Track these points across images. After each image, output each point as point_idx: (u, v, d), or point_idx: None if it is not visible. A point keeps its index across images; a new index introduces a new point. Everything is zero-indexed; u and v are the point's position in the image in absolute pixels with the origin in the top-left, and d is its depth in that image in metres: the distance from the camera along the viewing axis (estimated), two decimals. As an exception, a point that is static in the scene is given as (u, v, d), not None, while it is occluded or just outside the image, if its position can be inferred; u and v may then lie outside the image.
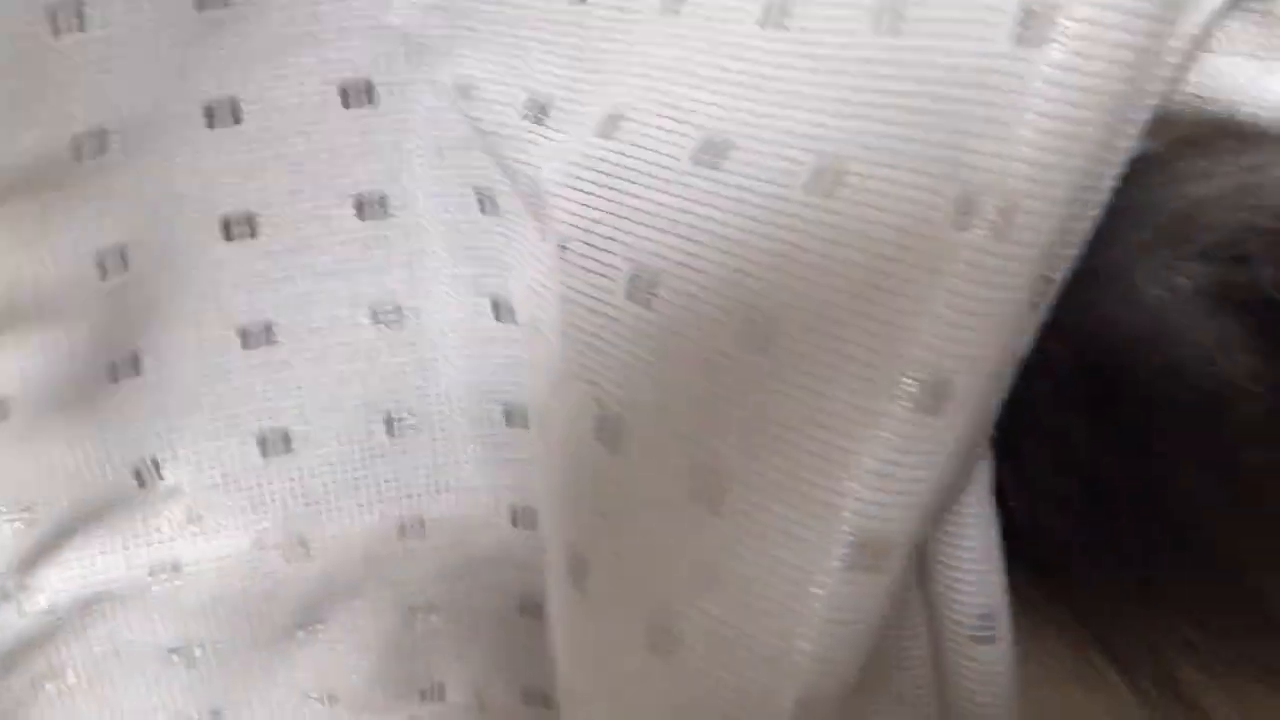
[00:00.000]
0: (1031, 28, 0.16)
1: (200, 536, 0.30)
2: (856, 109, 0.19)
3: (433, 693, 0.33)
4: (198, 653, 0.31)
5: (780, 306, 0.19)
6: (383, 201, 0.29)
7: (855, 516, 0.18)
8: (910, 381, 0.17)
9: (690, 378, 0.20)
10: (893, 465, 0.18)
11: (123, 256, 0.27)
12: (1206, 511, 0.19)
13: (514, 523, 0.31)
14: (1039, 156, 0.16)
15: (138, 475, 0.29)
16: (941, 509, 0.19)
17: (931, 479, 0.18)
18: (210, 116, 0.27)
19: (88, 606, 0.30)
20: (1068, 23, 0.16)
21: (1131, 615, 0.23)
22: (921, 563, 0.24)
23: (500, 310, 0.29)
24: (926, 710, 0.25)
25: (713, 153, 0.21)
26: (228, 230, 0.28)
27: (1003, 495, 0.23)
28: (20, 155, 0.25)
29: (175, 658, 0.31)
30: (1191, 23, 0.19)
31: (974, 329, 0.17)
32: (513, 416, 0.30)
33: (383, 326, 0.30)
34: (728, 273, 0.19)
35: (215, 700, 0.32)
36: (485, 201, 0.28)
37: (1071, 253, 0.19)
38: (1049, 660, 0.25)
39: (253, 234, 0.28)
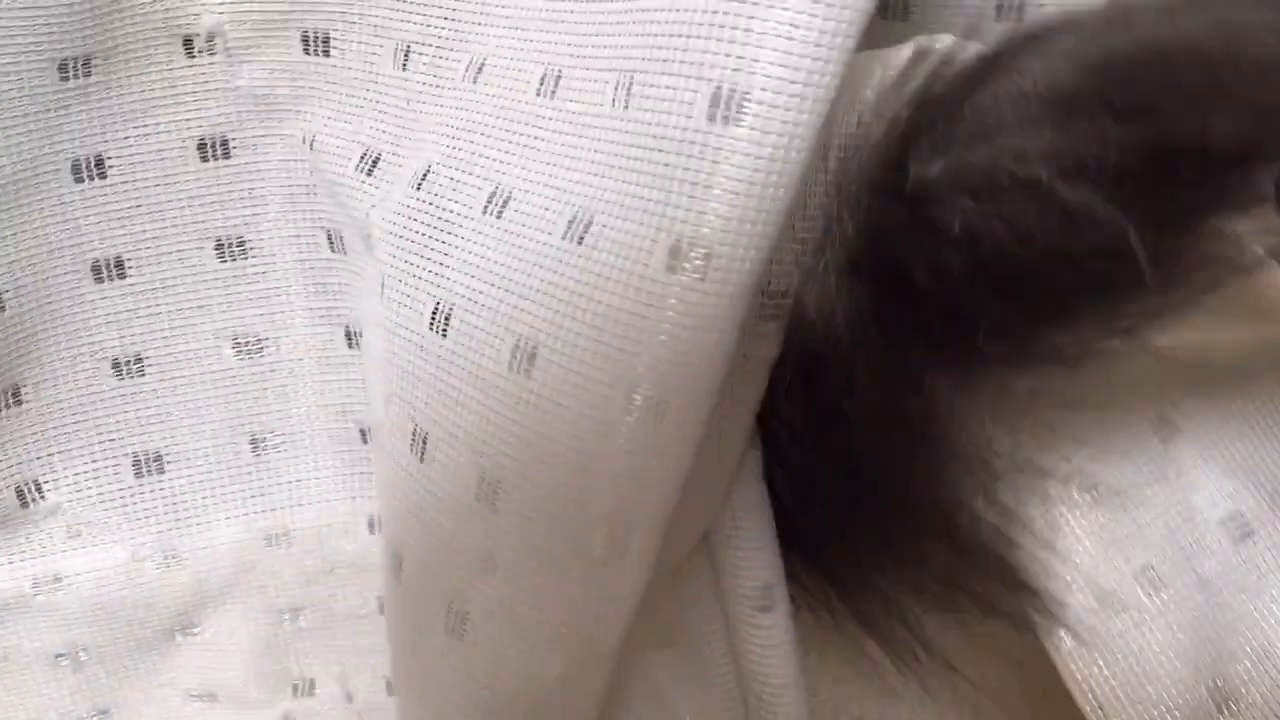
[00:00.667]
0: (720, 108, 0.20)
1: (80, 551, 0.33)
2: (601, 169, 0.22)
3: (304, 688, 0.36)
4: (83, 657, 0.34)
5: (542, 331, 0.22)
6: (240, 244, 0.32)
7: (607, 508, 0.22)
8: (639, 398, 0.21)
9: (472, 397, 0.23)
10: (636, 459, 0.21)
11: (0, 301, 0.30)
12: (855, 466, 0.23)
13: (370, 529, 0.34)
14: (730, 212, 0.20)
15: (20, 495, 0.32)
16: (685, 496, 0.22)
17: (669, 475, 0.22)
18: (77, 172, 0.30)
19: (-24, 616, 0.32)
20: (747, 105, 0.20)
21: (874, 580, 0.27)
22: (710, 548, 0.27)
23: (352, 339, 0.33)
24: (728, 683, 0.29)
25: (498, 203, 0.24)
26: (98, 273, 0.31)
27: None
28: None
29: (63, 661, 0.34)
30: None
31: (686, 354, 0.21)
32: (367, 434, 0.33)
33: (244, 356, 0.33)
34: (501, 305, 0.23)
35: (102, 701, 0.35)
36: (335, 241, 0.32)
37: (791, 267, 0.23)
38: (826, 647, 0.29)
39: (121, 276, 0.32)
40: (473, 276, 0.24)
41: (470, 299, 0.24)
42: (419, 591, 0.25)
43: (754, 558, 0.27)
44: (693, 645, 0.29)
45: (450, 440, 0.24)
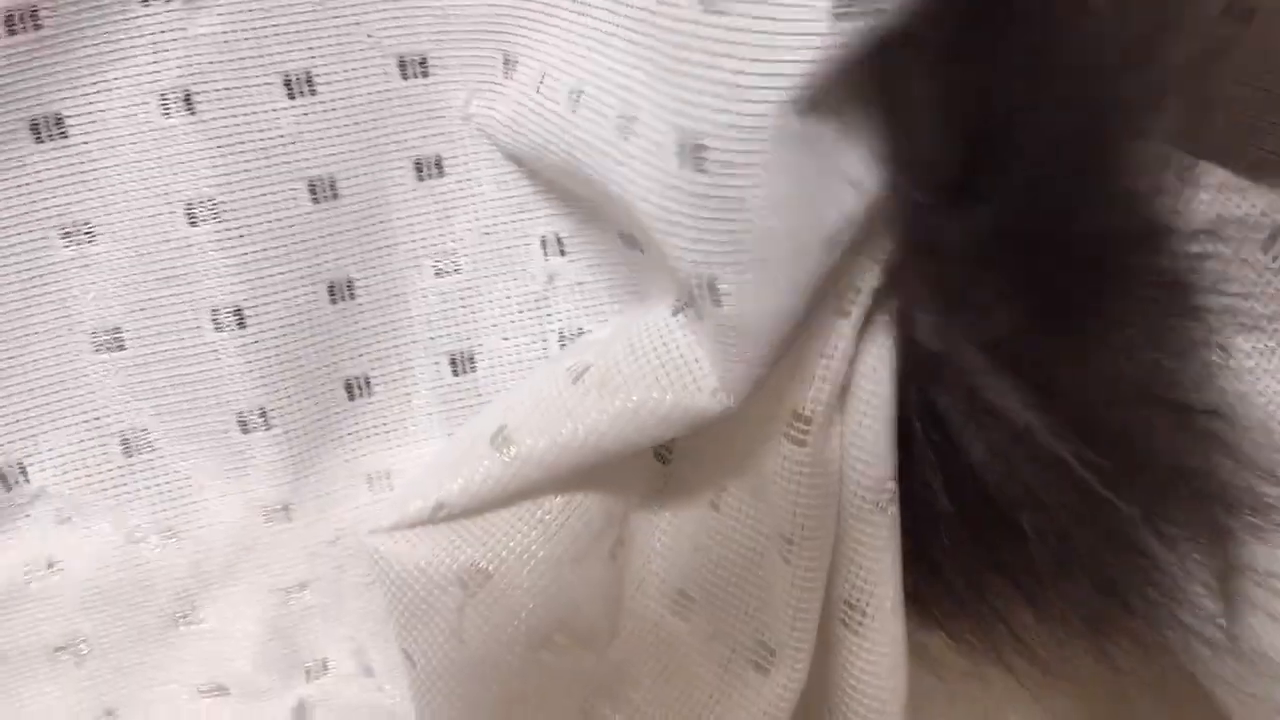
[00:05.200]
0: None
1: (71, 535, 0.31)
2: None
3: (317, 668, 0.34)
4: (84, 649, 0.32)
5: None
6: (213, 205, 0.31)
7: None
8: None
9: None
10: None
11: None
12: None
13: (370, 487, 0.33)
14: None
15: (3, 479, 0.30)
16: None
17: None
18: (35, 132, 0.29)
19: (-31, 611, 0.31)
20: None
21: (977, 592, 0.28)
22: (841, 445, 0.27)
23: (336, 294, 0.31)
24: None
25: None
26: (67, 236, 0.30)
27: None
28: None
29: (63, 656, 0.32)
30: None
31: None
32: (358, 389, 0.32)
33: (223, 330, 0.31)
34: None
35: (108, 699, 0.33)
36: (318, 190, 0.31)
37: None
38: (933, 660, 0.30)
39: (90, 241, 0.30)
40: None
41: None
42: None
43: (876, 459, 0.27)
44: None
45: None
